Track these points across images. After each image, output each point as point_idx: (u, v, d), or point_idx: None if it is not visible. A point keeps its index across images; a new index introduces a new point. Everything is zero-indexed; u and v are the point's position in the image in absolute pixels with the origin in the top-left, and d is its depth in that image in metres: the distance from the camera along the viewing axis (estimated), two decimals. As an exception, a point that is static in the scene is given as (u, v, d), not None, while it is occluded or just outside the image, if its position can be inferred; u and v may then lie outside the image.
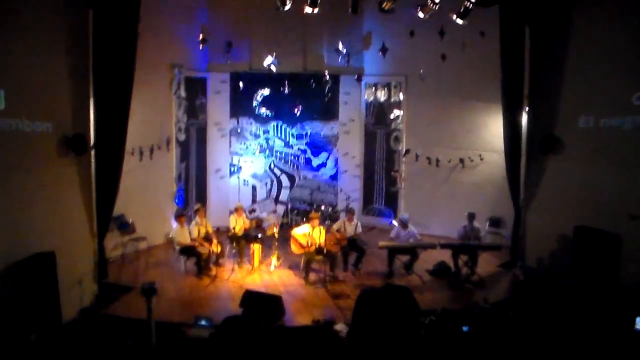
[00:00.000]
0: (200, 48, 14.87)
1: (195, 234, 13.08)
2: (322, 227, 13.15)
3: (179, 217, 13.42)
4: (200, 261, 12.80)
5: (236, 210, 13.99)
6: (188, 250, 12.96)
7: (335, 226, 13.71)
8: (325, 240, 12.85)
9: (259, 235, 13.64)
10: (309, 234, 12.87)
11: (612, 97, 11.46)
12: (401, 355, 2.43)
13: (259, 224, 14.29)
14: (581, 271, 11.50)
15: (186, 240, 12.98)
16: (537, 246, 13.07)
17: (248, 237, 13.58)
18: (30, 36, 9.55)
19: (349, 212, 14.00)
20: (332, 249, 12.85)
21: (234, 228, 13.45)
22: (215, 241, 13.29)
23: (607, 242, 11.22)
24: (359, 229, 13.56)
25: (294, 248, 13.14)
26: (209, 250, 12.98)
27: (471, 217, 13.16)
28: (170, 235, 13.77)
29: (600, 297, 10.22)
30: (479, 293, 11.92)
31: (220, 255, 13.46)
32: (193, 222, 13.41)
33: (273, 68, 15.42)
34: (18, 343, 8.34)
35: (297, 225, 14.67)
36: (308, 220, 13.46)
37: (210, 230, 13.51)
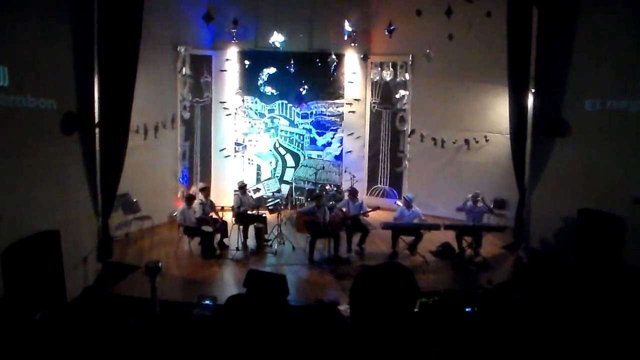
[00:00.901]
0: (207, 25, 14.81)
1: (200, 213, 13.10)
2: (326, 207, 13.15)
3: (188, 198, 13.41)
4: (204, 240, 12.82)
5: (240, 188, 14.00)
6: (192, 230, 12.98)
7: (340, 204, 13.72)
8: (330, 219, 12.87)
9: (264, 215, 13.67)
10: (313, 213, 12.88)
11: (619, 80, 11.36)
12: (402, 334, 2.41)
13: (262, 211, 14.26)
14: (585, 254, 11.49)
15: (191, 220, 12.99)
16: (541, 228, 13.04)
17: (252, 217, 13.60)
18: (34, 12, 9.47)
19: (352, 192, 13.99)
20: (337, 229, 12.86)
21: (238, 207, 13.45)
22: (219, 220, 13.31)
23: (611, 225, 11.19)
24: (365, 208, 13.55)
25: (298, 228, 13.15)
26: (213, 230, 13.00)
27: (475, 197, 13.12)
28: (175, 214, 13.76)
29: (605, 280, 10.22)
30: (483, 274, 11.95)
31: (224, 234, 13.47)
32: (197, 201, 13.41)
33: (278, 44, 15.32)
34: (23, 322, 8.36)
35: (302, 205, 14.69)
36: (313, 199, 13.46)
37: (215, 210, 13.50)
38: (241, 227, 13.51)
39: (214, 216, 13.41)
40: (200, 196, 13.68)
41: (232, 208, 13.89)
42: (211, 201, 13.57)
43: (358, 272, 2.65)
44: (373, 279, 2.58)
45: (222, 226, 13.36)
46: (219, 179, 17.14)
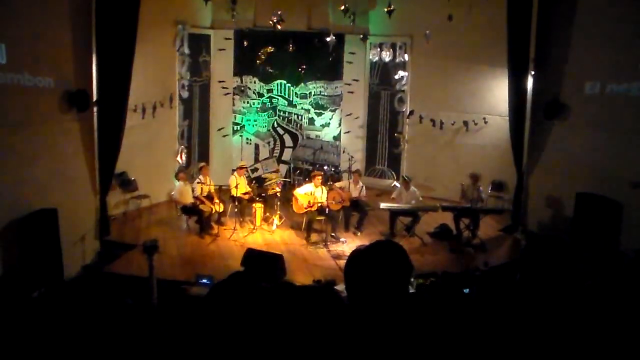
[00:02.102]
0: (205, 4, 14.70)
1: (198, 192, 13.10)
2: (324, 187, 13.16)
3: (178, 174, 13.43)
4: (202, 219, 12.84)
5: (239, 168, 13.99)
6: (190, 209, 13.00)
7: (338, 184, 13.73)
8: (328, 199, 12.89)
9: (262, 194, 13.69)
10: (311, 193, 12.89)
11: (619, 63, 11.32)
12: (398, 313, 2.42)
13: (260, 193, 14.23)
14: (582, 237, 11.51)
15: (188, 198, 13.00)
16: (539, 211, 13.08)
17: (250, 198, 13.63)
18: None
19: (355, 172, 13.98)
20: (334, 208, 12.90)
21: (236, 187, 13.44)
22: (217, 200, 13.32)
23: (608, 209, 11.21)
24: (364, 192, 13.58)
25: (295, 208, 13.18)
26: (211, 209, 13.01)
27: (474, 177, 13.14)
28: (172, 194, 13.77)
29: (602, 263, 10.25)
30: (480, 256, 12.00)
31: (222, 214, 13.48)
32: (196, 180, 13.40)
33: (278, 25, 15.25)
34: (21, 300, 8.39)
35: (300, 185, 14.70)
36: (310, 179, 13.47)
37: (213, 189, 13.48)
38: (239, 206, 13.54)
39: (212, 195, 13.38)
40: (199, 175, 13.67)
41: (229, 188, 13.88)
42: (210, 180, 13.54)
43: (350, 253, 2.66)
44: (366, 257, 2.58)
45: (219, 205, 13.36)
46: (217, 158, 17.10)
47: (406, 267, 2.58)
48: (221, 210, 13.40)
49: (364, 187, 13.76)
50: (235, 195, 13.49)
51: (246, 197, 13.72)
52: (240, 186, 13.61)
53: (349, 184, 13.66)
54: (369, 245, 2.66)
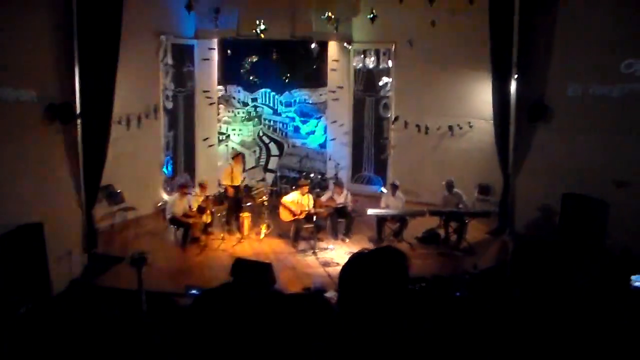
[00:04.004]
0: (188, 13, 14.68)
1: (194, 206, 13.00)
2: (311, 195, 13.15)
3: (181, 187, 13.36)
4: (187, 233, 12.76)
5: (236, 156, 14.04)
6: (179, 221, 12.92)
7: (323, 198, 13.71)
8: (315, 206, 12.90)
9: (249, 204, 13.70)
10: (297, 201, 12.88)
11: (601, 65, 11.45)
12: (392, 319, 2.41)
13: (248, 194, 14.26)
14: (568, 237, 11.58)
15: (182, 211, 12.89)
16: (525, 213, 13.13)
17: (237, 203, 13.65)
18: (13, 3, 9.37)
19: (337, 184, 13.97)
20: (321, 214, 12.90)
21: (231, 175, 13.47)
22: (208, 212, 13.25)
23: (594, 209, 11.30)
24: (349, 198, 13.57)
25: (283, 216, 13.15)
26: (200, 222, 12.93)
27: (449, 185, 13.19)
28: (167, 203, 13.68)
29: (589, 261, 10.31)
30: (469, 260, 12.02)
31: (209, 224, 13.42)
32: (193, 194, 13.35)
33: (261, 33, 15.29)
34: (7, 316, 8.32)
35: (287, 193, 14.70)
36: (297, 187, 13.46)
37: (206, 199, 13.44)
38: (227, 211, 13.60)
39: (204, 208, 13.30)
40: (196, 190, 13.64)
41: (224, 174, 14.00)
42: (206, 196, 13.50)
43: (349, 257, 2.63)
44: (367, 263, 2.56)
45: (208, 217, 13.31)
46: (203, 168, 17.04)
47: (405, 275, 2.57)
48: (209, 221, 13.34)
49: (348, 194, 13.75)
50: (227, 184, 13.59)
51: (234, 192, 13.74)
52: (235, 176, 13.62)
53: (333, 194, 13.64)
54: (371, 250, 2.64)
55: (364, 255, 2.59)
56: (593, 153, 11.55)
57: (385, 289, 2.46)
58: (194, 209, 12.92)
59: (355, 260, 2.59)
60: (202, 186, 13.51)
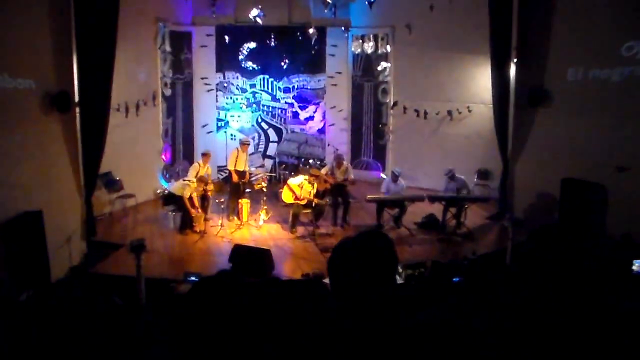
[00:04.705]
0: (185, 1, 14.62)
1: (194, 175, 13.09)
2: (315, 183, 13.09)
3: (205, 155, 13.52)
4: (186, 218, 12.76)
5: (243, 144, 14.14)
6: (178, 202, 12.86)
7: (323, 170, 13.67)
8: (318, 186, 12.90)
9: (247, 190, 13.70)
10: (302, 186, 12.81)
11: (601, 49, 11.39)
12: (384, 302, 2.41)
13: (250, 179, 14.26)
14: (568, 222, 11.58)
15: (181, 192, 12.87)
16: (525, 198, 13.13)
17: (239, 189, 13.73)
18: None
19: (338, 158, 13.88)
20: (322, 204, 12.87)
21: (236, 160, 13.62)
22: (210, 184, 13.25)
23: (593, 194, 11.29)
24: (351, 174, 13.56)
25: (285, 196, 13.04)
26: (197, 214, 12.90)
27: (450, 175, 13.12)
28: (160, 191, 13.69)
29: (589, 246, 10.31)
30: (468, 245, 12.03)
31: (205, 211, 13.36)
32: (195, 164, 13.41)
33: (259, 20, 15.24)
34: (7, 303, 8.32)
35: (285, 179, 14.70)
36: (305, 172, 13.39)
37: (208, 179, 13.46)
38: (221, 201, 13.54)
39: (205, 178, 13.28)
40: (200, 161, 13.66)
41: (229, 160, 14.04)
42: (208, 167, 13.53)
43: (336, 245, 2.63)
44: (352, 247, 2.56)
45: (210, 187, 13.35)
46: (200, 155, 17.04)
47: (392, 257, 2.56)
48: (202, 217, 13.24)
49: (349, 168, 13.81)
50: (232, 170, 13.68)
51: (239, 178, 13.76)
52: (239, 162, 13.70)
53: (332, 168, 13.57)
54: (355, 235, 2.64)
55: (348, 242, 2.59)
56: (593, 137, 11.52)
57: (372, 272, 2.46)
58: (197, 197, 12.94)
59: (340, 247, 2.59)
60: (205, 156, 13.56)
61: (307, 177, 12.95)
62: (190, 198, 12.70)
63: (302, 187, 12.84)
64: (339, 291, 2.52)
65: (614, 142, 11.12)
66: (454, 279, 8.49)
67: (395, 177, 13.27)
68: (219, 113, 17.44)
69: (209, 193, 13.27)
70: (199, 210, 12.85)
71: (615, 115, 11.15)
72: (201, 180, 12.96)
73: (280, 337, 2.76)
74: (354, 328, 2.43)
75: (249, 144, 14.37)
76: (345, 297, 2.50)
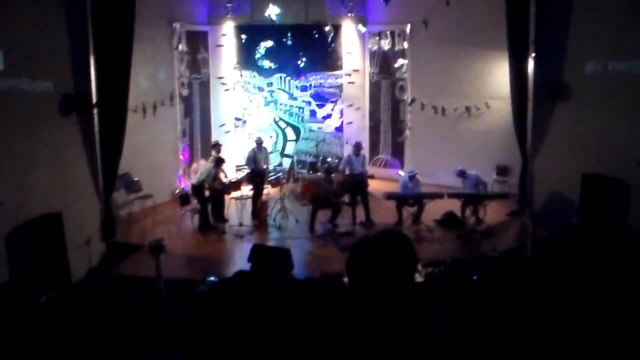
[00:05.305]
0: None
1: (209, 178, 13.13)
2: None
3: (217, 160, 13.46)
4: (206, 212, 12.88)
5: (257, 144, 14.19)
6: (186, 199, 12.98)
7: (340, 167, 13.71)
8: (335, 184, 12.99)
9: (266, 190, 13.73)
10: (319, 184, 12.86)
11: (620, 42, 11.23)
12: (404, 302, 2.37)
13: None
14: (589, 218, 11.45)
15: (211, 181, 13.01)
16: (545, 194, 13.01)
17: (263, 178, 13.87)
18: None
19: (356, 146, 13.86)
20: (339, 195, 12.90)
21: (253, 160, 13.74)
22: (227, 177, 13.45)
23: (615, 190, 11.14)
24: (366, 166, 13.73)
25: (305, 191, 13.06)
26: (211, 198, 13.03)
27: (461, 174, 13.06)
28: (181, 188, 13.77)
29: (612, 242, 10.20)
30: (488, 242, 11.93)
31: (220, 209, 13.43)
32: (210, 163, 13.50)
33: (274, 17, 15.23)
34: (29, 305, 8.38)
35: (303, 177, 14.72)
36: (324, 172, 13.48)
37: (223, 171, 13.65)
38: (239, 201, 13.53)
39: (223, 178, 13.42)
40: (212, 153, 13.74)
41: (247, 161, 14.02)
42: (223, 170, 13.59)
43: (352, 246, 2.60)
44: (370, 248, 2.53)
45: (220, 197, 13.41)
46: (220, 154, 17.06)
47: (411, 257, 2.52)
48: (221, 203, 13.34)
49: (365, 159, 14.00)
50: (252, 171, 13.87)
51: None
52: (258, 161, 13.88)
53: (350, 158, 13.57)
54: (373, 235, 2.61)
55: (366, 242, 2.56)
56: (614, 131, 11.36)
57: (391, 272, 2.43)
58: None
59: (358, 247, 2.56)
60: (216, 147, 13.90)
61: (324, 177, 13.01)
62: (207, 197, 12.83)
63: (320, 186, 12.83)
64: (358, 290, 2.49)
65: (636, 136, 10.96)
66: (473, 277, 8.44)
67: (411, 177, 13.18)
68: (236, 112, 17.47)
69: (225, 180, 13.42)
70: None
71: (636, 109, 10.98)
72: (219, 161, 13.16)
73: (298, 336, 2.73)
74: (373, 327, 2.40)
75: (262, 142, 14.31)
76: (364, 296, 2.47)
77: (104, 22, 10.65)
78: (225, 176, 13.60)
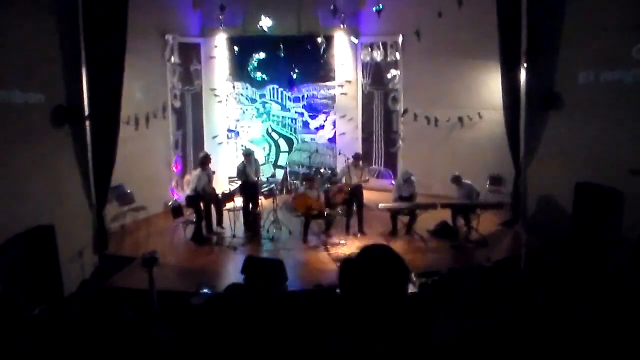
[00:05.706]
0: (193, 9, 14.63)
1: (199, 184, 13.10)
2: (320, 190, 13.12)
3: (203, 163, 13.46)
4: (200, 223, 12.85)
5: (246, 156, 14.01)
6: (197, 198, 12.96)
7: (339, 176, 13.74)
8: (333, 195, 12.96)
9: (259, 202, 13.68)
10: (317, 197, 12.85)
11: (611, 52, 11.28)
12: (396, 315, 2.37)
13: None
14: (582, 227, 11.46)
15: (202, 185, 12.98)
16: (538, 203, 13.01)
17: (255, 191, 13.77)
18: (19, 6, 9.38)
19: (355, 157, 13.82)
20: (338, 199, 12.89)
21: (243, 172, 13.57)
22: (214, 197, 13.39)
23: (608, 198, 11.15)
24: (366, 175, 13.63)
25: (298, 204, 13.02)
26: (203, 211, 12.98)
27: (456, 180, 13.07)
28: (169, 203, 13.72)
29: (605, 251, 10.19)
30: (481, 252, 11.92)
31: (214, 221, 13.43)
32: (196, 172, 13.44)
33: (266, 29, 15.25)
34: (21, 318, 8.32)
35: (296, 189, 14.70)
36: (305, 181, 13.46)
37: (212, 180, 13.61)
38: (232, 212, 13.48)
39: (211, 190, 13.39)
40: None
41: (237, 174, 13.84)
42: (211, 170, 13.56)
43: (340, 262, 2.61)
44: (356, 265, 2.53)
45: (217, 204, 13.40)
46: (213, 166, 17.01)
47: (400, 268, 2.52)
48: (217, 215, 13.30)
49: (366, 170, 13.90)
50: (244, 183, 13.64)
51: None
52: (249, 173, 13.69)
53: (348, 169, 13.51)
54: (358, 252, 2.60)
55: (352, 259, 2.56)
56: (606, 141, 11.38)
57: (381, 285, 2.42)
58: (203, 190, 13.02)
59: (346, 264, 2.57)
60: (205, 160, 13.63)
61: (307, 186, 13.03)
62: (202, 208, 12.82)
63: (318, 199, 12.82)
64: (351, 303, 2.49)
65: (628, 145, 10.99)
66: (467, 286, 8.41)
67: (406, 180, 13.18)
68: (229, 124, 17.48)
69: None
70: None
71: (629, 118, 11.01)
72: (205, 160, 13.32)
73: (292, 349, 2.72)
74: (365, 338, 2.39)
75: (251, 153, 14.20)
76: (357, 308, 2.46)
77: (96, 33, 10.64)
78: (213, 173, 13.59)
